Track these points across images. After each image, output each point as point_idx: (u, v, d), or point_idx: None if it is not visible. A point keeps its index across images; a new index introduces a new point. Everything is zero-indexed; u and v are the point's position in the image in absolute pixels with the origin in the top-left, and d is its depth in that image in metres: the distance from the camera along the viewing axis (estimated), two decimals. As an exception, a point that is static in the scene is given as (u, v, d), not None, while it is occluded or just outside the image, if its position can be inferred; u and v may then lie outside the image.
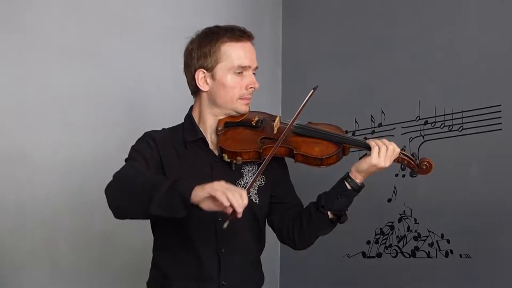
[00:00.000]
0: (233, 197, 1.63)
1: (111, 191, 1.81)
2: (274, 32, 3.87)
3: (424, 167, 1.97)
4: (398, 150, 1.93)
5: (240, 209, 1.64)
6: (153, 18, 3.30)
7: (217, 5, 3.56)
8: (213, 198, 1.65)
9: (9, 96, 2.86)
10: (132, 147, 1.99)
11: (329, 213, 1.95)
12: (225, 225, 1.68)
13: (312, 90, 1.97)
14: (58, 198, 2.92)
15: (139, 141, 2.01)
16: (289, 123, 1.94)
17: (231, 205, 1.63)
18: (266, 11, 3.85)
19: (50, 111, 2.95)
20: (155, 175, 1.88)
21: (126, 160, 1.95)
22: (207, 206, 1.67)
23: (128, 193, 1.77)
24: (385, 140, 1.92)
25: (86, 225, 2.98)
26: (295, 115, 1.94)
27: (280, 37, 3.89)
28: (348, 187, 1.94)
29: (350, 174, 1.94)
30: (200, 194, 1.66)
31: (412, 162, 1.97)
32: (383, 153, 1.89)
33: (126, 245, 3.02)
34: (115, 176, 1.84)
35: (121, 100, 3.16)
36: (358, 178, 1.94)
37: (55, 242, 2.91)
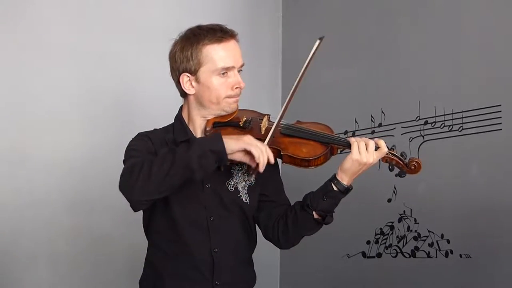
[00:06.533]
0: (262, 156, 1.79)
1: (133, 181, 1.77)
2: (274, 32, 3.87)
3: (412, 167, 1.96)
4: (383, 145, 1.92)
5: (263, 169, 1.80)
6: (153, 18, 3.31)
7: (217, 5, 3.56)
8: (245, 151, 1.79)
9: (9, 96, 2.86)
10: (129, 147, 1.98)
11: (314, 213, 1.95)
12: (253, 178, 1.88)
13: (318, 41, 1.89)
14: (58, 198, 2.93)
15: (135, 140, 2.01)
16: (276, 121, 1.90)
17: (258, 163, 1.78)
18: (266, 11, 3.85)
19: (50, 111, 2.95)
20: (173, 148, 1.87)
21: (125, 160, 1.93)
22: (236, 157, 1.81)
23: (157, 172, 1.76)
24: (365, 138, 1.93)
25: (86, 225, 2.99)
26: (281, 111, 1.90)
27: (280, 37, 3.89)
28: (335, 188, 1.93)
29: (337, 176, 1.93)
30: (233, 146, 1.79)
31: (401, 162, 1.96)
32: (363, 149, 1.89)
33: (126, 245, 3.02)
34: (127, 170, 1.81)
35: (121, 101, 3.17)
36: (344, 180, 1.93)
37: (55, 242, 2.92)
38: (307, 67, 1.88)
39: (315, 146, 1.94)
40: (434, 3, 3.25)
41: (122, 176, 1.82)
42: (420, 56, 3.25)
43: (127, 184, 1.79)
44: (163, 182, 1.77)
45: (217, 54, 1.94)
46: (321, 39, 1.89)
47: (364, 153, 1.89)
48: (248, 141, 1.79)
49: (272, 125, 1.92)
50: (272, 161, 1.82)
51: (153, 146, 1.98)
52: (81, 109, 3.04)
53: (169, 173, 1.76)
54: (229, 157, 1.79)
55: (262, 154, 1.78)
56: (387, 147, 1.94)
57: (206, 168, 1.78)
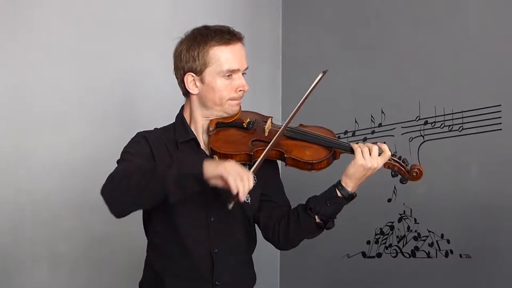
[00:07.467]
0: (241, 184, 1.68)
1: (111, 189, 1.79)
2: (274, 32, 3.87)
3: (414, 174, 1.97)
4: (386, 149, 1.93)
5: (243, 198, 1.70)
6: (153, 18, 3.31)
7: (217, 5, 3.56)
8: (222, 178, 1.69)
9: (9, 97, 2.86)
10: (124, 149, 1.98)
11: (316, 217, 1.95)
12: (230, 206, 1.73)
13: (321, 74, 1.97)
14: (58, 198, 2.93)
15: (131, 142, 2.00)
16: (282, 126, 1.92)
17: (238, 191, 1.69)
18: (266, 11, 3.85)
19: (50, 111, 2.95)
20: (156, 164, 1.84)
21: (118, 161, 1.94)
22: (215, 183, 1.72)
23: (134, 186, 1.75)
24: (368, 143, 1.94)
25: (86, 225, 2.99)
26: (289, 118, 1.92)
27: (280, 37, 3.89)
28: (339, 194, 1.94)
29: (341, 182, 1.94)
30: (212, 171, 1.70)
31: (403, 169, 1.97)
32: (367, 153, 1.90)
33: (126, 245, 3.02)
34: (111, 175, 1.82)
35: (121, 101, 3.17)
36: (349, 186, 1.93)
37: (55, 242, 2.92)
38: (308, 95, 1.95)
39: (319, 150, 1.95)
40: (434, 3, 3.25)
41: (105, 181, 1.81)
42: (420, 56, 3.25)
43: (106, 190, 1.80)
44: (138, 197, 1.77)
45: (224, 56, 1.95)
46: (324, 72, 1.96)
47: (368, 158, 1.90)
48: (228, 169, 1.70)
49: (276, 127, 1.95)
50: (249, 189, 1.71)
51: (151, 147, 1.97)
52: (81, 109, 3.04)
53: (145, 190, 1.74)
54: (210, 182, 1.73)
55: (242, 182, 1.69)
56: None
57: (185, 190, 1.73)
